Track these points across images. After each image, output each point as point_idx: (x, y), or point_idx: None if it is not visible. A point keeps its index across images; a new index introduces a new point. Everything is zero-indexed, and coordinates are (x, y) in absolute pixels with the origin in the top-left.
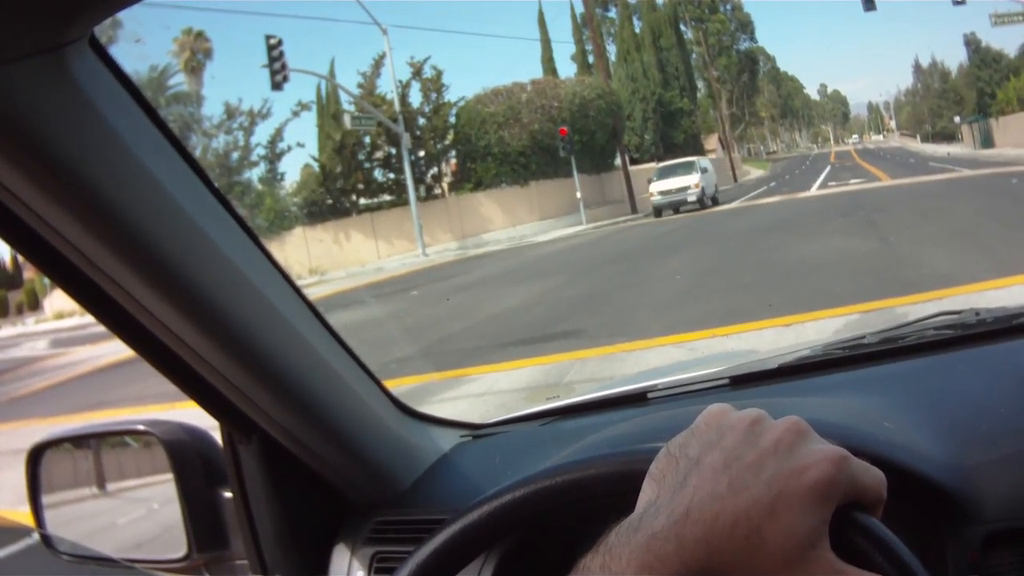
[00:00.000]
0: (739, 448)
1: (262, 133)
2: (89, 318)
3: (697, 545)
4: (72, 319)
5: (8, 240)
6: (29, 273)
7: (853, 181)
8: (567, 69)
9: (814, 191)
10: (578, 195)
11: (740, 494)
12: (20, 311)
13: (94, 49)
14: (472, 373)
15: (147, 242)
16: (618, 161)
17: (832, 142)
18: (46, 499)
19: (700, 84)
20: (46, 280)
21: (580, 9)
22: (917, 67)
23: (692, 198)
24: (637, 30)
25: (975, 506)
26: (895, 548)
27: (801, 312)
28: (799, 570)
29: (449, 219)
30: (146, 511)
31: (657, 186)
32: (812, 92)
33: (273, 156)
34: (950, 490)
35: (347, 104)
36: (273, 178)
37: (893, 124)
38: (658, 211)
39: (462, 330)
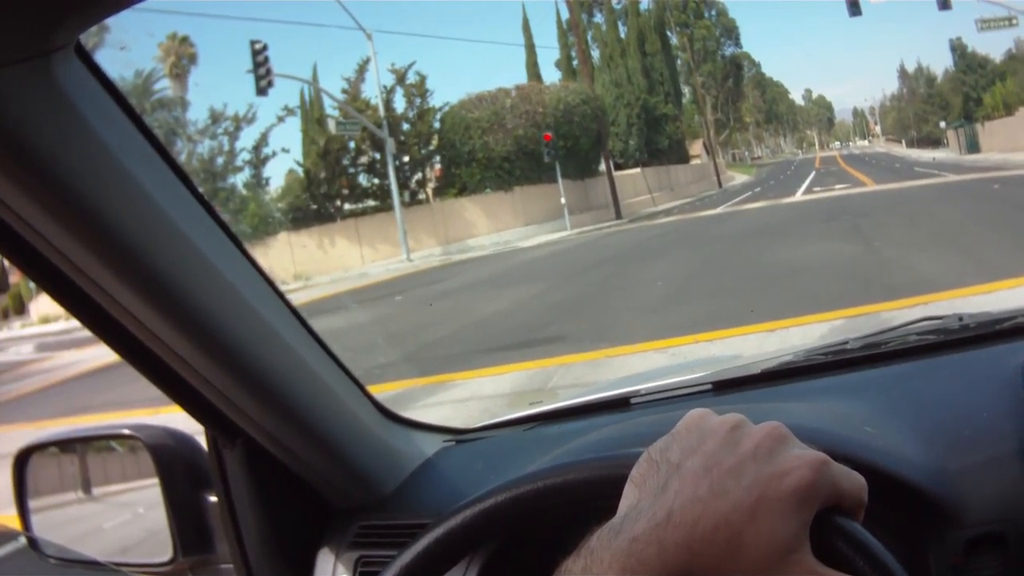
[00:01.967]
0: (719, 453)
1: (247, 138)
2: (75, 322)
3: (678, 549)
4: (58, 323)
5: None
6: (15, 277)
7: (838, 186)
8: (552, 74)
9: (799, 196)
10: (562, 200)
11: (720, 498)
12: (6, 315)
13: (80, 56)
14: (456, 378)
15: (131, 247)
16: (603, 167)
17: (817, 147)
18: (32, 503)
19: (685, 90)
20: (32, 284)
21: (565, 14)
22: (903, 72)
23: None
24: (622, 35)
25: (957, 510)
26: (876, 552)
27: (785, 317)
28: (779, 574)
29: (433, 224)
30: (132, 515)
31: None
32: (797, 97)
33: (258, 161)
34: (932, 494)
35: (332, 109)
36: (258, 183)
37: (878, 129)
38: None
39: (446, 335)
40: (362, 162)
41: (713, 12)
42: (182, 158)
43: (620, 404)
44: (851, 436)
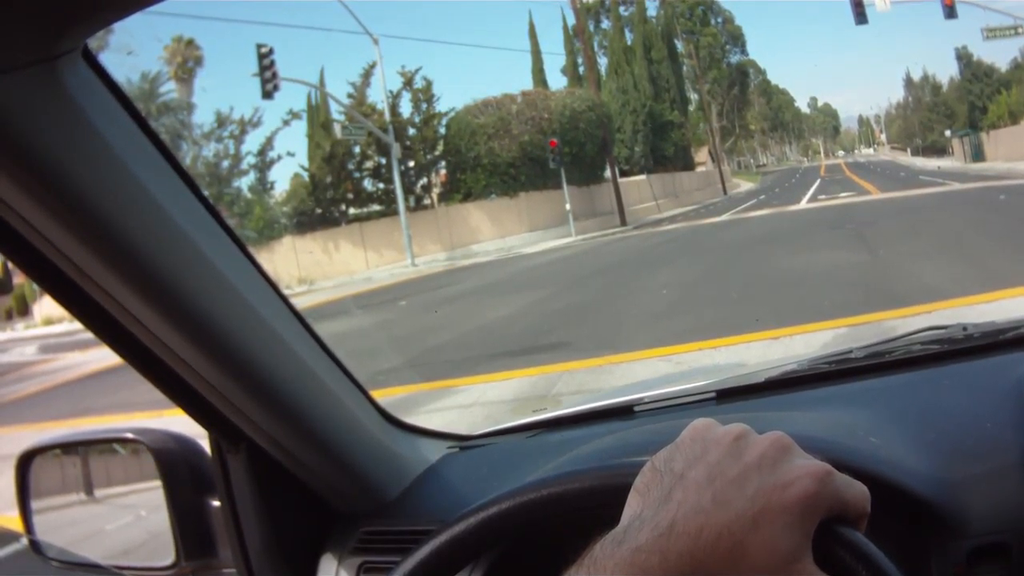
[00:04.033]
0: (723, 463)
1: (252, 142)
2: (78, 325)
3: (681, 559)
4: (61, 325)
5: None
6: (19, 279)
7: (843, 194)
8: (558, 81)
9: (804, 204)
10: (567, 207)
11: (724, 508)
12: (9, 316)
13: (87, 60)
14: (460, 384)
15: (136, 251)
16: (608, 173)
17: (822, 155)
18: (35, 505)
19: (691, 97)
20: (35, 286)
21: (572, 21)
22: (908, 80)
23: None
24: (629, 42)
25: (960, 520)
26: (878, 562)
27: (789, 325)
28: None
29: (438, 230)
30: (134, 518)
31: None
32: (803, 105)
33: (263, 165)
34: (935, 504)
35: (337, 114)
36: (263, 187)
37: (884, 137)
38: None
39: (450, 341)
40: (367, 167)
41: (719, 19)
42: (187, 161)
43: (623, 412)
44: (855, 446)
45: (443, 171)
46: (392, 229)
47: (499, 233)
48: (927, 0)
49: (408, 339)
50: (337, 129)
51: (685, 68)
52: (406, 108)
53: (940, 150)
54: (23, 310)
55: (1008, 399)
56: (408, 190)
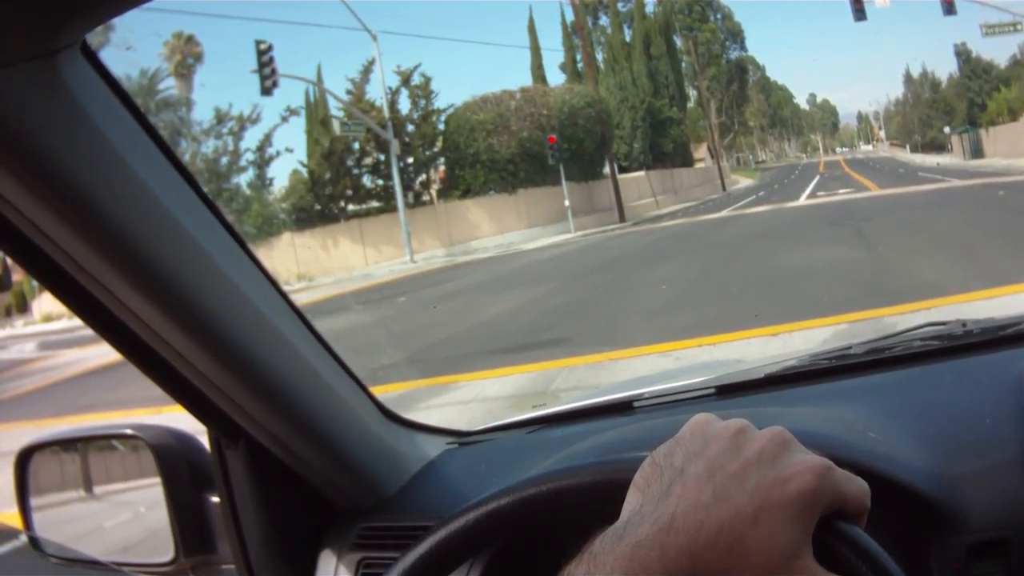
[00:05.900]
0: (723, 458)
1: (251, 138)
2: (77, 321)
3: (680, 553)
4: (60, 322)
5: None
6: (18, 276)
7: (842, 191)
8: (556, 77)
9: (803, 200)
10: (566, 203)
11: (724, 503)
12: (8, 313)
13: (86, 55)
14: (459, 380)
15: (135, 247)
16: (607, 169)
17: (821, 152)
18: (34, 501)
19: (690, 93)
20: (34, 283)
21: (571, 17)
22: (907, 77)
23: None
24: (627, 38)
25: (959, 516)
26: (878, 557)
27: (788, 321)
28: None
29: (437, 226)
30: (133, 515)
31: None
32: (802, 101)
33: (262, 161)
34: (934, 500)
35: (336, 110)
36: (262, 183)
37: (883, 134)
38: None
39: (449, 337)
40: (366, 163)
41: (719, 15)
42: (186, 158)
43: (623, 408)
44: (854, 441)
45: (442, 167)
46: (391, 225)
47: (498, 229)
48: None
49: (407, 335)
50: (336, 125)
51: (684, 64)
52: (405, 104)
53: (939, 146)
54: (22, 307)
55: (1007, 395)
56: (407, 186)
